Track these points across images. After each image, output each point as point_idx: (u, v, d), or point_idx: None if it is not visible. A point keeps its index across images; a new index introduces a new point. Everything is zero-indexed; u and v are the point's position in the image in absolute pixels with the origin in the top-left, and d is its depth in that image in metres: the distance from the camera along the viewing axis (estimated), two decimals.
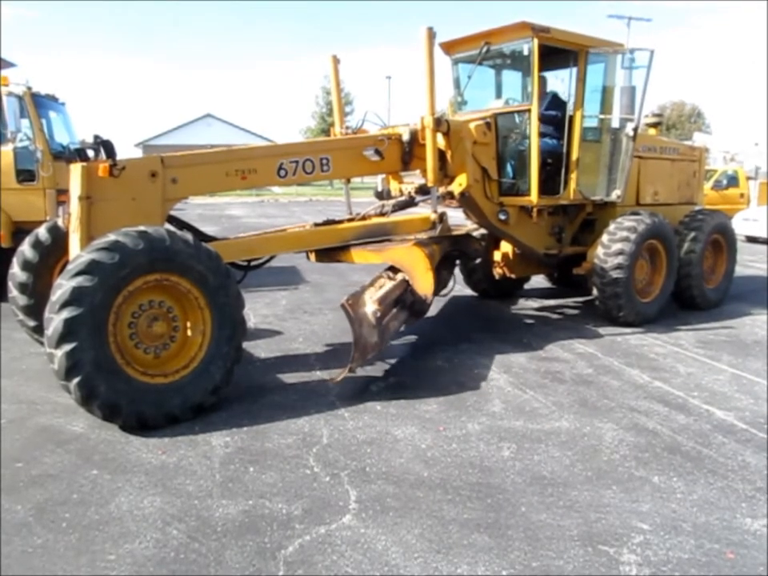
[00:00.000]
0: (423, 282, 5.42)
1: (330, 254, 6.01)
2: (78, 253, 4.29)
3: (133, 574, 2.69)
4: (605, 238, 6.92)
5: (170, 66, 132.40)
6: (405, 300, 5.36)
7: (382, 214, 6.20)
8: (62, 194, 7.52)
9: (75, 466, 3.63)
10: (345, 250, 5.89)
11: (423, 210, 6.36)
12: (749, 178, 19.52)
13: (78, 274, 3.89)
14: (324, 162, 5.72)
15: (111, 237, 4.08)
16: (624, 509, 3.23)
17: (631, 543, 2.93)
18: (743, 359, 5.93)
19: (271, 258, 6.02)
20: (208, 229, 7.43)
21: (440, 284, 6.61)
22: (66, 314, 3.80)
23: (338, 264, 6.45)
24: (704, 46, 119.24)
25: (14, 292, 5.50)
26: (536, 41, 6.35)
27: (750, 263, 12.28)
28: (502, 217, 6.73)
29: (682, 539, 2.97)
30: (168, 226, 4.99)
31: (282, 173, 5.54)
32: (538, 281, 9.53)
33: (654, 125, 8.97)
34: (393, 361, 5.71)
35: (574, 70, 6.78)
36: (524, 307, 8.22)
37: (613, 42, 7.05)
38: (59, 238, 5.49)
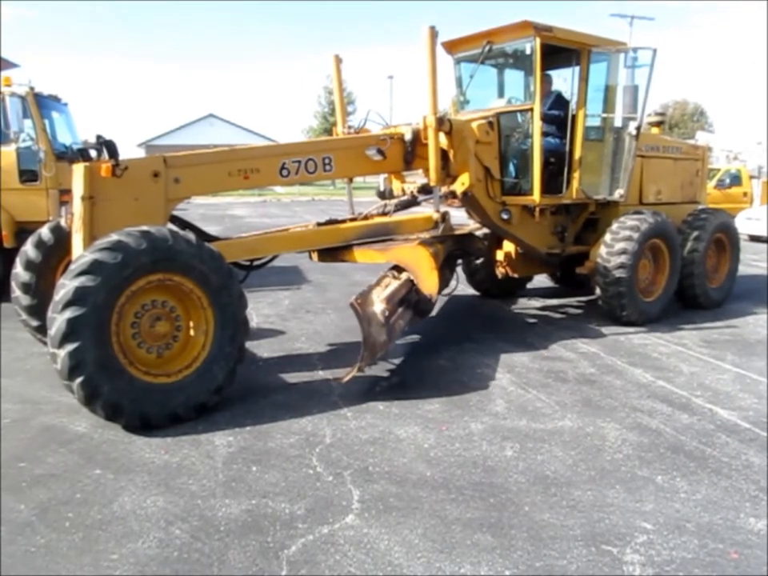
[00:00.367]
0: (428, 282, 5.42)
1: (333, 253, 6.01)
2: (80, 253, 4.28)
3: (136, 573, 2.69)
4: (608, 237, 6.90)
5: (173, 66, 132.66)
6: (410, 299, 5.36)
7: (384, 214, 6.19)
8: (64, 194, 7.53)
9: (78, 466, 3.63)
10: (347, 249, 5.88)
11: (425, 210, 6.35)
12: (752, 177, 19.48)
13: (81, 273, 3.90)
14: (326, 161, 5.72)
15: (114, 237, 4.09)
16: (627, 508, 3.23)
17: (635, 543, 2.93)
18: (747, 358, 5.92)
19: (274, 257, 6.02)
20: (211, 229, 7.43)
21: (442, 283, 6.61)
22: (69, 313, 3.81)
23: (341, 264, 6.45)
24: (706, 46, 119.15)
25: (17, 292, 5.51)
26: (538, 40, 6.34)
27: (753, 262, 12.25)
28: (505, 216, 6.72)
29: (685, 539, 2.97)
30: (170, 225, 4.99)
31: (285, 172, 5.54)
32: (541, 280, 9.51)
33: (657, 124, 8.95)
34: (396, 360, 5.70)
35: (577, 69, 6.77)
36: (527, 307, 8.21)
37: (615, 40, 7.04)
38: (62, 238, 5.51)
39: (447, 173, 6.12)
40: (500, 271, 7.99)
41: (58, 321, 3.82)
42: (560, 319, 7.54)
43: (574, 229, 7.49)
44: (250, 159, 5.41)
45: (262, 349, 6.06)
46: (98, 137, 4.74)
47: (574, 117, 6.79)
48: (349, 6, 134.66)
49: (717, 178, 18.79)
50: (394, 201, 6.32)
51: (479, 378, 5.28)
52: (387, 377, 5.32)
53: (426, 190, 6.27)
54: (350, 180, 7.12)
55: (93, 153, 4.79)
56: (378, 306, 4.86)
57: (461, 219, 7.67)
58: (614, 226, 6.95)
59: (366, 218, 6.20)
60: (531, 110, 6.59)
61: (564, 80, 7.16)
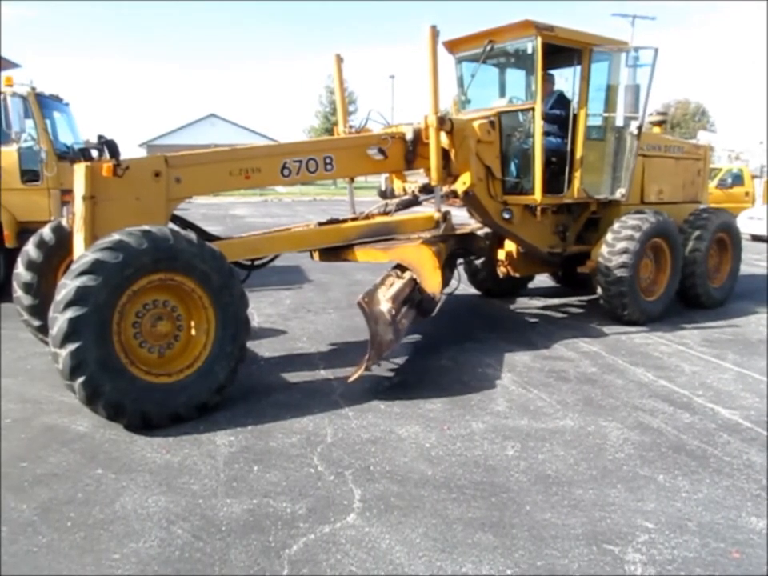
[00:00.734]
0: (431, 281, 5.42)
1: (334, 253, 6.01)
2: (82, 252, 4.29)
3: (137, 573, 2.69)
4: (609, 236, 6.90)
5: (173, 66, 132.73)
6: (413, 298, 5.37)
7: (385, 213, 6.19)
8: (66, 193, 7.54)
9: (80, 466, 3.64)
10: (349, 249, 5.88)
11: (427, 209, 6.35)
12: (754, 177, 19.48)
13: (83, 273, 3.90)
14: (327, 161, 5.72)
15: (115, 236, 4.09)
16: (629, 508, 3.22)
17: (636, 542, 2.92)
18: (748, 358, 5.91)
19: (275, 257, 6.02)
20: (212, 228, 7.44)
21: (443, 283, 6.61)
22: (70, 313, 3.81)
23: (342, 263, 6.45)
24: (708, 45, 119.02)
25: (18, 292, 5.51)
26: (540, 39, 6.33)
27: (754, 262, 12.24)
28: (506, 215, 6.72)
29: (687, 538, 2.96)
30: (172, 225, 4.99)
31: (286, 172, 5.54)
32: (542, 280, 9.51)
33: (659, 123, 8.95)
34: (397, 360, 5.70)
35: (578, 68, 6.77)
36: (528, 306, 8.20)
37: (617, 40, 7.03)
38: (63, 237, 5.51)
39: (448, 172, 6.12)
40: (501, 271, 7.99)
41: (59, 320, 3.83)
42: (561, 319, 7.54)
43: (576, 228, 7.49)
44: (251, 159, 5.41)
45: (263, 348, 6.06)
46: (100, 137, 4.75)
47: (575, 116, 6.78)
48: (349, 5, 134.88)
49: (718, 177, 18.78)
50: (396, 200, 6.32)
51: (480, 377, 5.28)
52: (389, 376, 5.32)
53: (427, 189, 6.26)
54: (352, 180, 7.12)
55: (94, 153, 4.79)
56: (385, 304, 4.87)
57: (462, 219, 7.67)
58: (616, 226, 6.94)
59: (367, 217, 6.20)
60: (533, 109, 6.59)
61: (565, 79, 7.16)
